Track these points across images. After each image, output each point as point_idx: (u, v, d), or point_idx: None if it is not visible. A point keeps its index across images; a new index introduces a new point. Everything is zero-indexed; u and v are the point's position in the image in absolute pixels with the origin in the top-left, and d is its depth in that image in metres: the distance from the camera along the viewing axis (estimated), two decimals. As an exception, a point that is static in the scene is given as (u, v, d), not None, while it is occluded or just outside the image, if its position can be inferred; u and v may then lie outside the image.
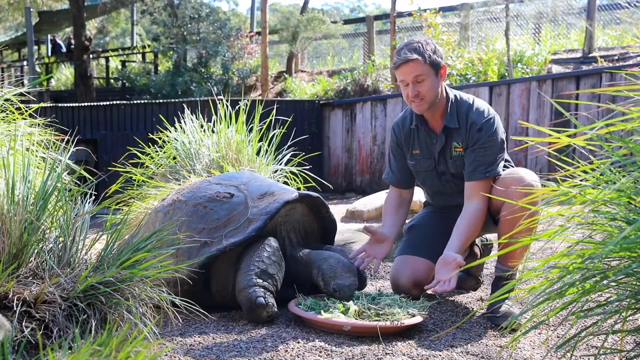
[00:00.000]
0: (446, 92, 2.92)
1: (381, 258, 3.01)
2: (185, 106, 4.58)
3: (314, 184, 4.06)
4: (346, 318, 2.49)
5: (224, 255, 2.76)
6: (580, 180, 1.86)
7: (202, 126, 4.20)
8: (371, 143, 8.56)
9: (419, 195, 5.37)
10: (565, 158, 2.26)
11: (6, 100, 3.08)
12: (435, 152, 2.95)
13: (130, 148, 4.27)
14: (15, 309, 1.91)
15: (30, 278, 2.07)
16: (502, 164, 2.87)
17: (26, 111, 3.10)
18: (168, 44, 13.19)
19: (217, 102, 4.18)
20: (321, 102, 9.28)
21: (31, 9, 13.86)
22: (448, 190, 3.04)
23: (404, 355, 2.29)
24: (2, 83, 3.21)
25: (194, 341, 2.37)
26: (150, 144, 4.27)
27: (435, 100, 2.85)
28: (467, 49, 10.12)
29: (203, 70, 12.49)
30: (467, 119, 2.86)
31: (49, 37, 19.24)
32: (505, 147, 2.90)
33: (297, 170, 4.07)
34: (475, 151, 2.83)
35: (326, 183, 4.46)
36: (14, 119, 3.05)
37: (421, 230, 3.10)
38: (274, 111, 4.31)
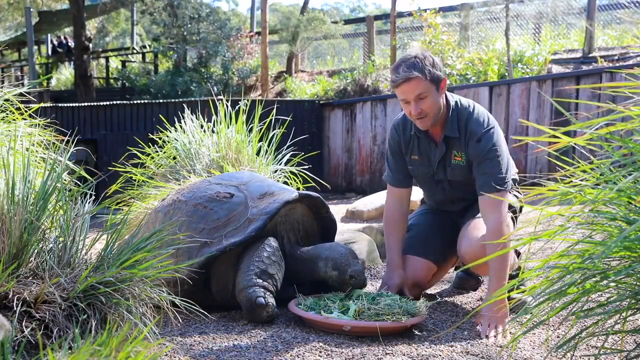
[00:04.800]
0: (447, 100, 2.84)
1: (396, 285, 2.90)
2: (185, 106, 4.58)
3: (313, 184, 4.06)
4: (346, 318, 2.49)
5: (224, 255, 2.76)
6: (580, 180, 1.86)
7: (202, 126, 4.20)
8: (371, 143, 8.55)
9: (419, 194, 5.36)
10: (565, 158, 2.26)
11: (6, 100, 3.08)
12: (435, 161, 2.89)
13: (130, 148, 4.27)
14: (15, 309, 1.91)
15: (30, 278, 2.07)
16: (510, 175, 2.79)
17: (26, 111, 3.10)
18: (168, 44, 13.18)
19: (217, 102, 4.18)
20: (321, 102, 9.28)
21: (31, 9, 13.86)
22: (444, 197, 3.04)
23: (404, 355, 2.29)
24: (2, 83, 3.21)
25: (194, 341, 2.37)
26: (150, 144, 4.27)
27: (439, 114, 2.79)
28: (467, 49, 10.12)
29: (203, 70, 12.48)
30: (467, 129, 2.79)
31: (49, 36, 19.23)
32: (508, 157, 2.83)
33: (297, 170, 4.07)
34: (481, 164, 2.76)
35: (324, 183, 4.45)
36: (14, 119, 3.05)
37: (419, 229, 3.09)
38: (274, 111, 4.30)
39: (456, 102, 2.86)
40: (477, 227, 2.82)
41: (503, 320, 2.58)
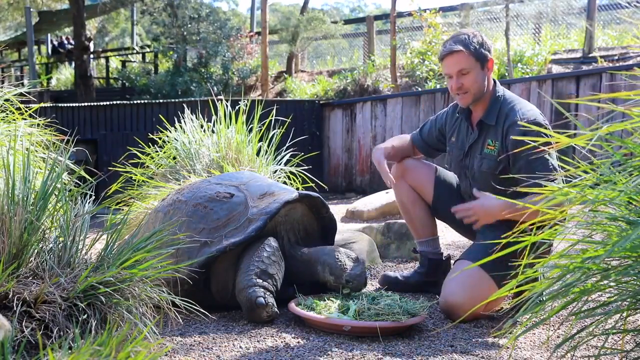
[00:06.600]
0: (494, 87, 2.86)
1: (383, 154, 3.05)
2: (185, 106, 4.58)
3: (312, 184, 4.06)
4: (346, 318, 2.49)
5: (224, 255, 2.76)
6: (581, 180, 1.86)
7: (202, 126, 4.20)
8: (371, 143, 8.55)
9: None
10: (565, 158, 2.26)
11: (6, 100, 3.08)
12: (467, 145, 2.92)
13: (130, 148, 4.27)
14: (15, 309, 1.91)
15: (30, 278, 2.07)
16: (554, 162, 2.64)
17: (26, 111, 3.11)
18: (168, 44, 13.18)
19: (217, 102, 4.18)
20: (321, 102, 9.28)
21: (31, 9, 13.86)
22: (465, 187, 3.00)
23: (404, 355, 2.29)
24: (2, 83, 3.21)
25: (194, 341, 2.37)
26: (150, 144, 4.27)
27: (481, 93, 2.82)
28: (467, 49, 10.11)
29: (203, 70, 12.48)
30: (506, 118, 2.76)
31: (49, 36, 19.23)
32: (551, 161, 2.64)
33: (297, 170, 4.07)
34: (518, 161, 2.67)
35: (322, 184, 4.45)
36: (14, 119, 3.06)
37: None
38: (274, 111, 4.30)
39: (504, 93, 2.86)
40: (464, 275, 2.69)
41: (488, 218, 2.66)
